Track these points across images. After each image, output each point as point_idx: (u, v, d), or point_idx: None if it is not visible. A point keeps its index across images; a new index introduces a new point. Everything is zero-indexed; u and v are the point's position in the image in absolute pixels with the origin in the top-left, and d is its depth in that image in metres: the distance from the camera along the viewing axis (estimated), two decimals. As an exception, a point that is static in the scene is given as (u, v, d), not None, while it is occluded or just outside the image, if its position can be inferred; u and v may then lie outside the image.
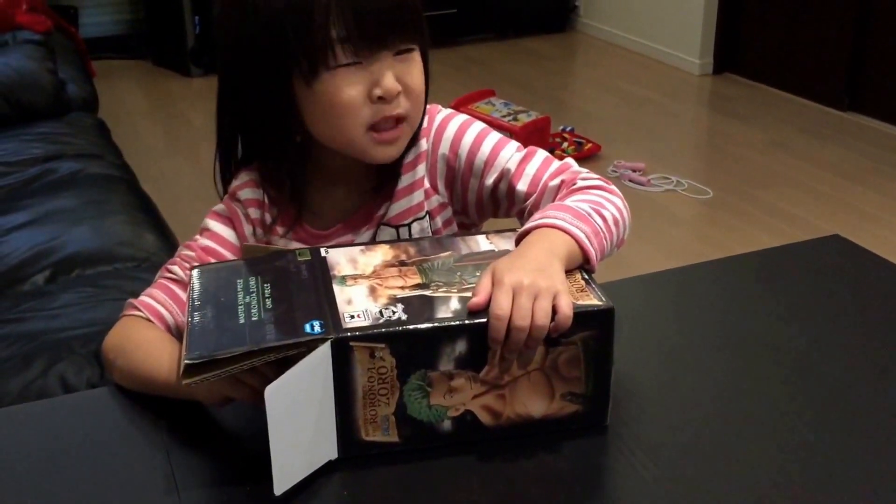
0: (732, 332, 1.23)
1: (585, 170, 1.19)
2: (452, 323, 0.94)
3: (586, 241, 1.04)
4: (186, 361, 0.90)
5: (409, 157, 1.21)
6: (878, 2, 4.38)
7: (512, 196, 1.19)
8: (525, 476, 0.97)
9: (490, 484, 0.96)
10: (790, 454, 0.99)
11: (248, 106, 1.17)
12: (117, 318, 1.16)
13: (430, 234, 1.23)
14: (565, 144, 4.12)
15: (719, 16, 5.11)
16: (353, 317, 0.94)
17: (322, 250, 1.07)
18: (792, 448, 1.00)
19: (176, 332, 1.13)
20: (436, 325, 0.93)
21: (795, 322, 1.24)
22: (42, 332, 1.83)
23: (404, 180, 1.22)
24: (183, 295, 1.14)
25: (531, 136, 3.82)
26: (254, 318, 0.95)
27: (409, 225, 1.22)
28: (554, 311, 0.94)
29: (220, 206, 1.23)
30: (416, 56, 1.14)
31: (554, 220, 1.05)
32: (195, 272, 1.07)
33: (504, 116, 4.10)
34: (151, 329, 1.12)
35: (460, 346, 0.94)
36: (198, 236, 1.21)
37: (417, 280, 1.00)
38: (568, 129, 4.26)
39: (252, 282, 1.02)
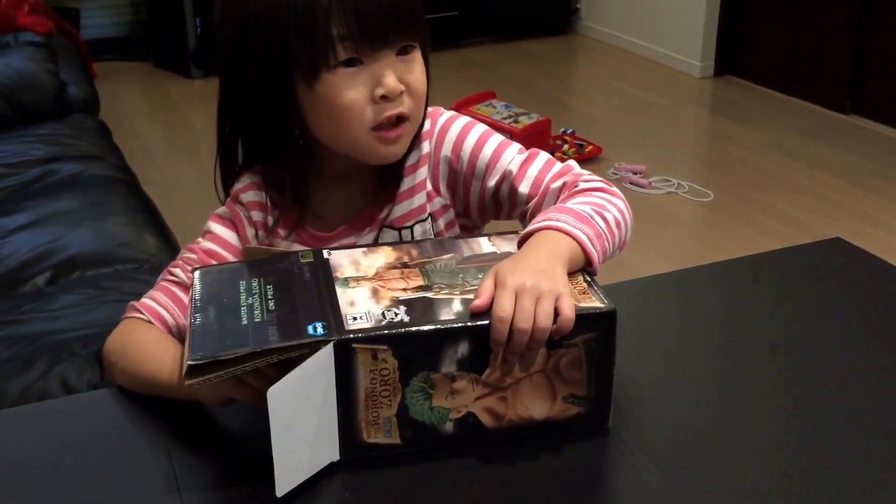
0: (733, 335, 1.23)
1: (587, 172, 1.19)
2: (455, 325, 0.94)
3: (588, 244, 1.04)
4: (189, 362, 0.90)
5: (412, 160, 1.21)
6: (879, 4, 4.39)
7: (514, 198, 1.19)
8: (527, 478, 0.97)
9: (492, 486, 0.96)
10: (791, 456, 1.00)
11: (249, 108, 1.17)
12: (118, 320, 1.16)
13: (433, 237, 1.23)
14: (566, 147, 4.11)
15: (720, 18, 5.11)
16: (355, 318, 0.94)
17: (324, 252, 1.07)
18: (793, 450, 1.00)
19: (177, 335, 1.13)
20: (438, 327, 0.93)
21: (797, 325, 1.24)
22: (43, 334, 1.83)
23: (406, 182, 1.22)
24: (185, 298, 1.14)
25: (532, 138, 3.82)
26: (256, 320, 0.95)
27: (411, 227, 1.22)
28: (556, 313, 0.94)
29: (222, 209, 1.23)
30: (418, 55, 1.14)
31: (556, 222, 1.05)
32: (197, 273, 1.07)
33: (505, 119, 4.10)
34: (153, 331, 1.12)
35: (463, 348, 0.94)
36: (200, 239, 1.21)
37: (420, 282, 1.00)
38: (569, 131, 4.26)
39: (255, 283, 1.02)
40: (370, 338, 0.92)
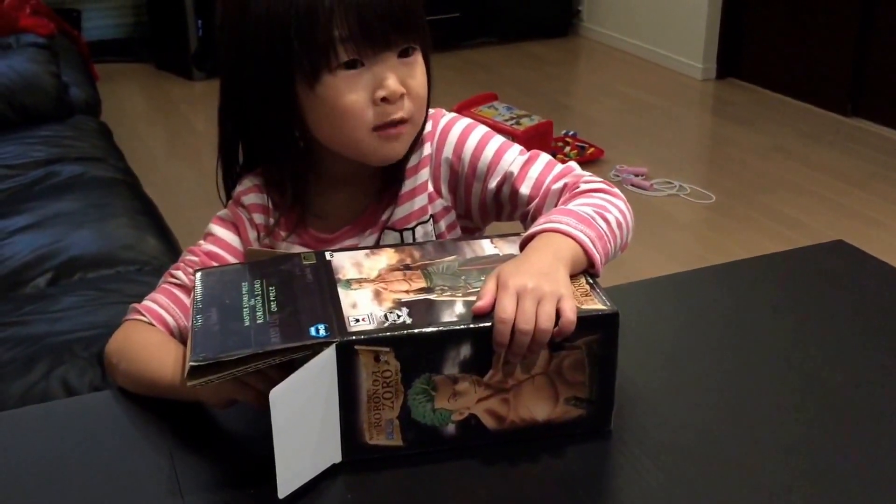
0: (735, 337, 1.23)
1: (588, 173, 1.19)
2: (457, 327, 0.94)
3: (590, 245, 1.04)
4: (191, 363, 0.90)
5: (413, 161, 1.21)
6: (881, 7, 4.39)
7: (515, 199, 1.19)
8: (529, 480, 0.97)
9: (494, 488, 0.95)
10: (794, 458, 0.99)
11: (250, 110, 1.17)
12: (119, 322, 1.16)
13: (434, 238, 1.23)
14: (568, 149, 4.12)
15: (722, 20, 5.12)
16: (357, 320, 0.94)
17: (327, 254, 1.07)
18: (796, 453, 1.00)
19: (179, 337, 1.13)
20: (441, 328, 0.93)
21: (799, 327, 1.24)
22: (44, 336, 1.83)
23: (408, 184, 1.22)
24: (186, 300, 1.14)
25: (533, 140, 3.83)
26: (258, 321, 0.95)
27: (412, 229, 1.22)
28: (558, 315, 0.94)
29: (224, 212, 1.23)
30: (419, 58, 1.14)
31: (558, 224, 1.05)
32: (199, 275, 1.07)
33: (506, 120, 4.11)
34: (155, 333, 1.12)
35: (465, 350, 0.94)
36: (202, 241, 1.21)
37: (422, 284, 1.00)
38: (570, 133, 4.26)
39: (257, 285, 1.02)
40: (372, 339, 0.92)
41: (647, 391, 1.10)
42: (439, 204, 1.23)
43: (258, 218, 1.21)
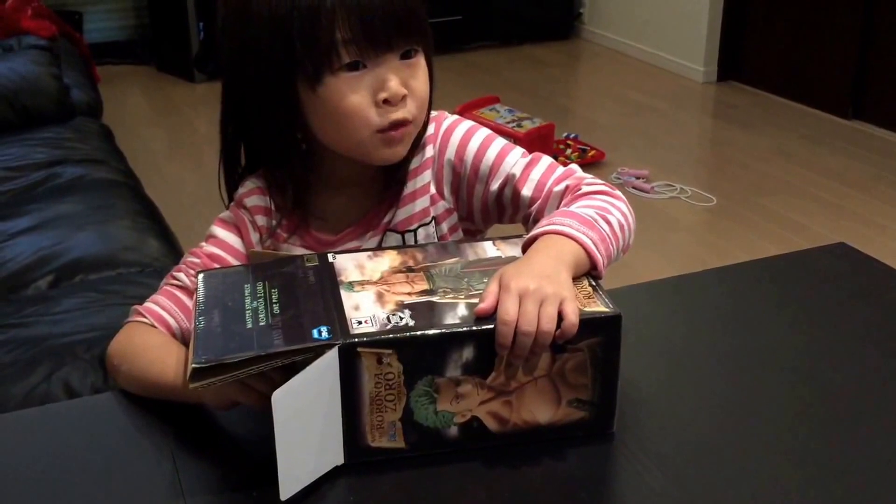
0: (738, 340, 1.23)
1: (590, 175, 1.19)
2: (460, 329, 0.94)
3: (593, 248, 1.04)
4: (194, 365, 0.90)
5: (415, 163, 1.21)
6: (882, 10, 4.39)
7: (517, 201, 1.19)
8: (531, 482, 0.97)
9: (496, 490, 0.95)
10: (796, 461, 0.99)
11: (252, 112, 1.17)
12: (121, 324, 1.16)
13: (436, 240, 1.23)
14: (569, 151, 4.12)
15: (723, 24, 5.12)
16: (360, 322, 0.94)
17: (329, 256, 1.07)
18: (798, 455, 1.00)
19: (181, 339, 1.13)
20: (443, 331, 0.93)
21: (801, 330, 1.24)
22: (45, 337, 1.83)
23: (410, 186, 1.22)
24: (188, 302, 1.14)
25: (535, 142, 3.83)
26: (261, 324, 0.95)
27: (414, 231, 1.22)
28: (560, 317, 0.94)
29: (226, 214, 1.23)
30: (422, 60, 1.14)
31: (560, 226, 1.05)
32: (201, 277, 1.07)
33: (508, 123, 4.11)
34: (157, 334, 1.12)
35: (467, 353, 0.94)
36: (203, 243, 1.21)
37: (425, 286, 1.00)
38: (572, 136, 4.26)
39: (259, 287, 1.02)
40: (375, 342, 0.92)
41: (648, 394, 1.10)
42: (441, 206, 1.23)
43: (260, 220, 1.21)
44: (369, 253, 1.08)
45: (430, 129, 1.21)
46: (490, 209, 1.23)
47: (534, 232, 1.06)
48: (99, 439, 1.06)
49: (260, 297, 1.00)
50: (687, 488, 0.95)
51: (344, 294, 0.99)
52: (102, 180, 2.67)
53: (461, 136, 1.22)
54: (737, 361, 1.17)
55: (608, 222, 1.09)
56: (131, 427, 1.08)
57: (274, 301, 0.99)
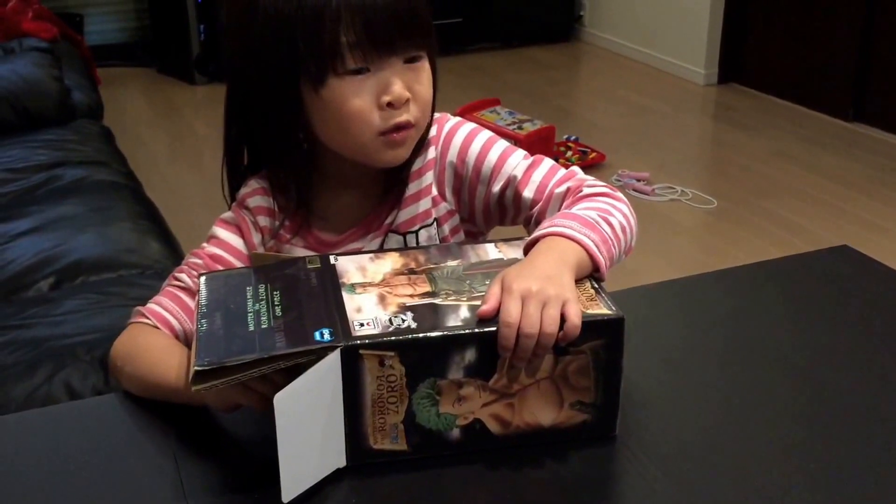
0: (740, 343, 1.22)
1: (591, 177, 1.19)
2: (462, 331, 0.94)
3: (595, 250, 1.04)
4: (196, 368, 0.90)
5: (418, 165, 1.21)
6: (883, 12, 4.39)
7: (518, 203, 1.19)
8: (533, 485, 0.97)
9: (498, 492, 0.95)
10: (799, 464, 0.99)
11: (255, 111, 1.17)
12: (122, 325, 1.16)
13: (438, 242, 1.23)
14: (570, 153, 4.12)
15: (724, 26, 5.12)
16: (362, 325, 0.94)
17: (331, 258, 1.07)
18: (800, 458, 1.00)
19: (184, 340, 1.13)
20: (445, 333, 0.93)
21: (804, 332, 1.24)
22: (47, 339, 1.83)
23: (412, 187, 1.22)
24: (190, 303, 1.14)
25: (536, 145, 3.82)
26: (263, 326, 0.95)
27: (416, 232, 1.22)
28: (563, 319, 0.94)
29: (227, 214, 1.23)
30: (425, 64, 1.14)
31: (562, 228, 1.05)
32: (203, 279, 1.06)
33: (509, 125, 4.11)
34: (159, 336, 1.12)
35: (470, 355, 0.94)
36: (205, 244, 1.21)
37: (427, 288, 1.00)
38: (572, 138, 4.26)
39: (261, 289, 1.02)
40: (377, 344, 0.92)
41: (651, 396, 1.10)
42: (443, 207, 1.23)
43: (262, 220, 1.21)
44: (371, 255, 1.08)
45: (433, 131, 1.21)
46: (492, 211, 1.23)
47: (535, 234, 1.06)
48: (101, 441, 1.06)
49: (262, 300, 0.99)
50: (689, 491, 0.95)
51: (346, 296, 0.99)
52: (103, 182, 2.68)
53: (463, 137, 1.22)
54: (739, 364, 1.17)
55: (610, 224, 1.09)
56: (133, 429, 1.08)
57: (276, 303, 0.99)
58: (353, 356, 0.91)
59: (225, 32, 1.18)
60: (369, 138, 1.13)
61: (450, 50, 5.51)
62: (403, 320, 0.94)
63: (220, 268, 1.17)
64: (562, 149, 4.15)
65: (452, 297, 0.99)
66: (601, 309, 0.97)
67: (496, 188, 1.20)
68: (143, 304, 1.16)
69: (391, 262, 1.06)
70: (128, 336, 1.14)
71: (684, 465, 0.99)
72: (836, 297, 1.33)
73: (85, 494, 0.97)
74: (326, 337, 0.92)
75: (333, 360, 0.91)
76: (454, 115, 1.26)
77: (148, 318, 1.13)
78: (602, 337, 0.96)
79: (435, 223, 1.23)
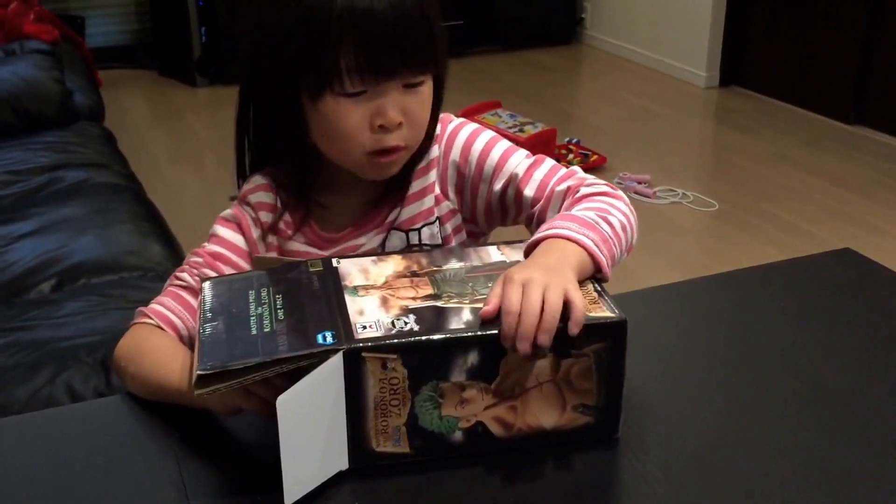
0: (742, 345, 1.22)
1: (591, 176, 1.19)
2: (465, 334, 0.93)
3: (595, 249, 1.04)
4: (199, 372, 0.90)
5: (421, 163, 1.22)
6: (885, 15, 4.39)
7: (519, 201, 1.20)
8: (535, 487, 0.97)
9: (501, 495, 0.95)
10: (800, 467, 0.99)
11: (258, 110, 1.20)
12: (123, 327, 1.16)
13: (440, 240, 1.23)
14: (571, 156, 4.12)
15: (725, 29, 5.12)
16: (365, 327, 0.93)
17: (334, 261, 1.07)
18: (802, 461, 1.00)
19: (187, 339, 1.13)
20: (448, 336, 0.93)
21: (806, 335, 1.24)
22: (48, 341, 1.83)
23: (415, 185, 1.22)
24: (193, 302, 1.15)
25: (537, 147, 3.78)
26: (266, 330, 0.95)
27: (419, 230, 1.22)
28: (567, 308, 0.94)
29: (227, 212, 1.24)
30: (425, 89, 1.15)
31: (562, 229, 1.05)
32: (207, 284, 1.06)
33: (510, 128, 4.11)
34: (163, 336, 1.12)
35: (472, 358, 0.94)
36: (206, 243, 1.22)
37: (429, 291, 1.00)
38: (574, 140, 4.26)
39: (264, 293, 1.02)
40: (380, 347, 0.92)
41: (653, 399, 1.09)
42: (446, 206, 1.23)
43: (264, 216, 1.22)
44: (373, 258, 1.08)
45: (437, 130, 1.22)
46: (493, 210, 1.23)
47: (535, 236, 1.07)
48: (103, 443, 1.06)
49: (264, 303, 0.99)
50: (691, 493, 0.95)
51: (348, 299, 0.99)
52: (104, 184, 2.68)
53: (466, 137, 1.22)
54: (741, 367, 1.17)
55: (609, 223, 1.09)
56: (135, 431, 1.08)
57: (278, 307, 0.99)
58: (356, 359, 0.91)
59: (240, 30, 1.20)
60: (358, 156, 1.14)
61: (451, 52, 5.47)
62: (406, 323, 0.94)
63: (221, 265, 1.18)
64: (563, 151, 4.16)
65: (455, 300, 0.99)
66: (604, 311, 0.97)
67: (498, 186, 1.20)
68: (145, 305, 1.16)
69: (394, 264, 1.06)
70: (131, 337, 1.14)
71: (686, 468, 0.99)
72: (839, 300, 1.32)
73: (87, 496, 0.97)
74: (329, 340, 0.92)
75: (336, 362, 0.91)
76: (456, 117, 1.26)
77: (151, 318, 1.14)
78: (605, 339, 0.96)
79: (437, 221, 1.23)
